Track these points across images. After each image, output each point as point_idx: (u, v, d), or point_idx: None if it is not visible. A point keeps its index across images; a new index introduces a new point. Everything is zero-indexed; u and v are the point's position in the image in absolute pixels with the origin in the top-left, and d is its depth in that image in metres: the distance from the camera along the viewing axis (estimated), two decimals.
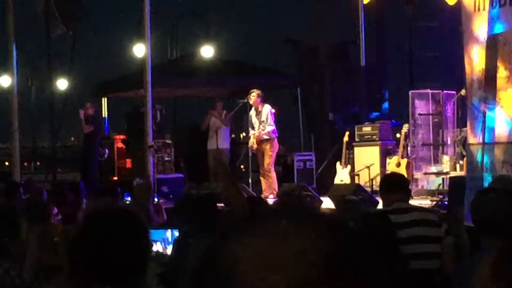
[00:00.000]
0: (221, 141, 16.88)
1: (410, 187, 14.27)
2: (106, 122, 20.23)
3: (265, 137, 14.99)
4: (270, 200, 13.76)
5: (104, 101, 20.60)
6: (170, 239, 5.73)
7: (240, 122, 19.10)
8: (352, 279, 1.13)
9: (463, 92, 11.36)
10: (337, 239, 1.15)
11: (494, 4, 7.98)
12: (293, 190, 12.33)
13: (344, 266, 1.13)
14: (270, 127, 14.99)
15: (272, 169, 15.08)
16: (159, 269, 5.18)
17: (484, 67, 7.93)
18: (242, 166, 20.21)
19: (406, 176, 14.52)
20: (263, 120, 14.98)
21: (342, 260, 1.13)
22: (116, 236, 2.56)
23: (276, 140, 15.11)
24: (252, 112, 15.25)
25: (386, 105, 19.81)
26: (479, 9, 8.27)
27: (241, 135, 20.50)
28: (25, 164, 31.31)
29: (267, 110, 15.06)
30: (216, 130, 16.94)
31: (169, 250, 5.68)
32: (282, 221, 1.16)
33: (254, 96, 15.13)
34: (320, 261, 1.12)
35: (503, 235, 4.14)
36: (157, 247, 5.65)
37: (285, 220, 1.17)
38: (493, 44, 7.73)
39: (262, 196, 14.52)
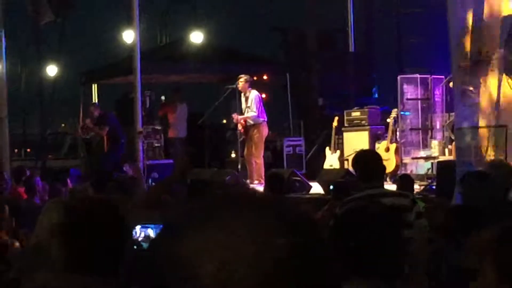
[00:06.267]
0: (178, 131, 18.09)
1: (399, 172, 14.37)
2: None
3: (250, 122, 14.92)
4: (257, 187, 13.75)
5: (94, 87, 20.61)
6: None
7: (229, 108, 19.15)
8: (314, 278, 1.10)
9: (451, 84, 11.40)
10: (299, 235, 1.10)
11: None
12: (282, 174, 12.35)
13: (306, 266, 1.09)
14: (252, 113, 14.88)
15: (261, 156, 14.99)
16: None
17: (469, 51, 8.00)
18: (232, 152, 20.25)
19: (395, 161, 14.63)
20: (248, 106, 14.94)
21: (303, 259, 1.09)
22: (93, 227, 2.59)
23: (263, 124, 14.94)
24: (242, 98, 15.22)
25: (375, 90, 19.88)
26: None
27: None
28: (16, 151, 31.27)
29: (253, 95, 14.96)
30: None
31: None
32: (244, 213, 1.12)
33: (242, 81, 15.04)
34: (281, 256, 1.07)
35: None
36: None
37: (246, 211, 1.12)
38: (476, 29, 7.80)
39: (248, 182, 14.56)
